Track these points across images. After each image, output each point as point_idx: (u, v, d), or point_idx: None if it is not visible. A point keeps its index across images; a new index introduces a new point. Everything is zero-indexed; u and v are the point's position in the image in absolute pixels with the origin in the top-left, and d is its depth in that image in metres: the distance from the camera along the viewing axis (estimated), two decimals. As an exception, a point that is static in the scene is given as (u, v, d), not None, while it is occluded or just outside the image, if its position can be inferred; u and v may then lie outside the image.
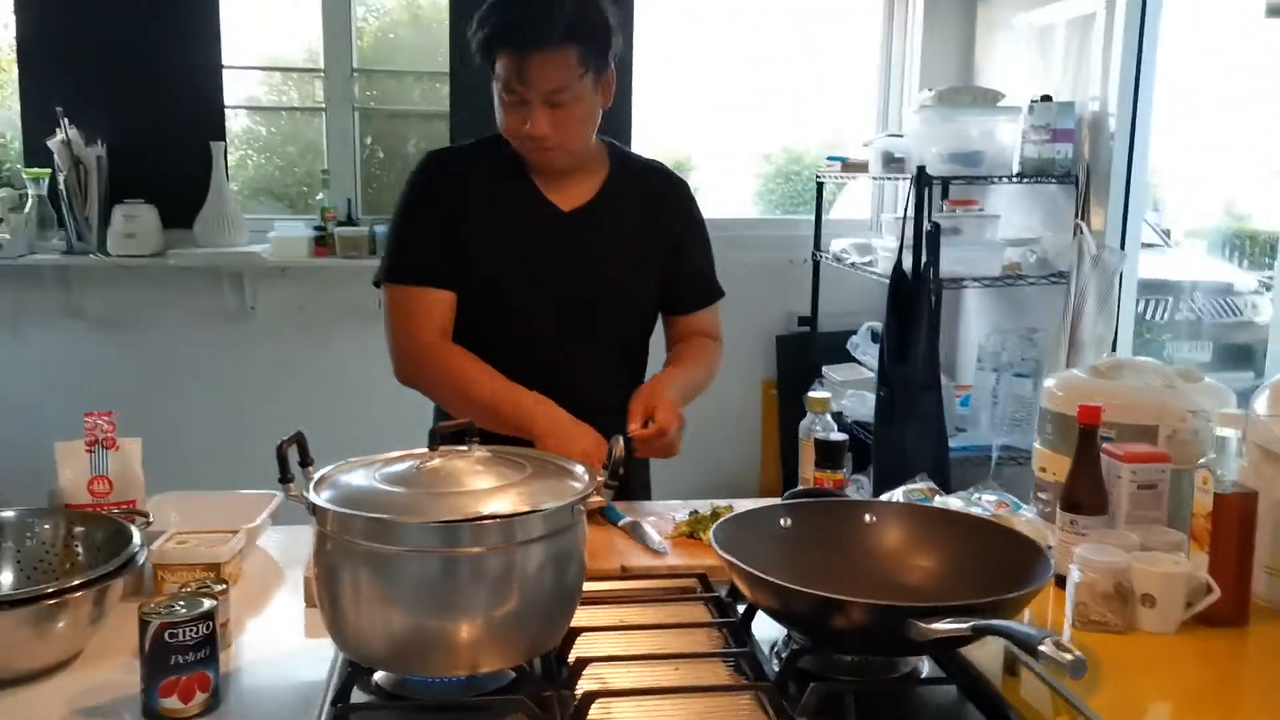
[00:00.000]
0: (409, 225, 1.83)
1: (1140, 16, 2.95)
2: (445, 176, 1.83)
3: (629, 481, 1.29)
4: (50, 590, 1.17)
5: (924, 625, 1.06)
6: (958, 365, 3.97)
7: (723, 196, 4.42)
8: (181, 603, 1.14)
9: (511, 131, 1.73)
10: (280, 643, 1.33)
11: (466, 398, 1.72)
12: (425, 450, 1.21)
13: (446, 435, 1.21)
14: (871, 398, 3.33)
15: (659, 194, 1.92)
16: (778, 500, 1.49)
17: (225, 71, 3.70)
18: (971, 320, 3.92)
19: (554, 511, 1.11)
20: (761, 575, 1.16)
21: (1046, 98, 3.14)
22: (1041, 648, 0.95)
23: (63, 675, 1.21)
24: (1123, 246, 3.08)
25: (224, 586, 1.28)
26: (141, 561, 1.28)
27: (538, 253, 1.81)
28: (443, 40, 3.73)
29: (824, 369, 3.86)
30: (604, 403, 1.77)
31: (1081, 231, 3.07)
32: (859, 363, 3.75)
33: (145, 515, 1.43)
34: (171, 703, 1.11)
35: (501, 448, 1.25)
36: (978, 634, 1.03)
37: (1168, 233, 4.53)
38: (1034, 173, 3.17)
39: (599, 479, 1.19)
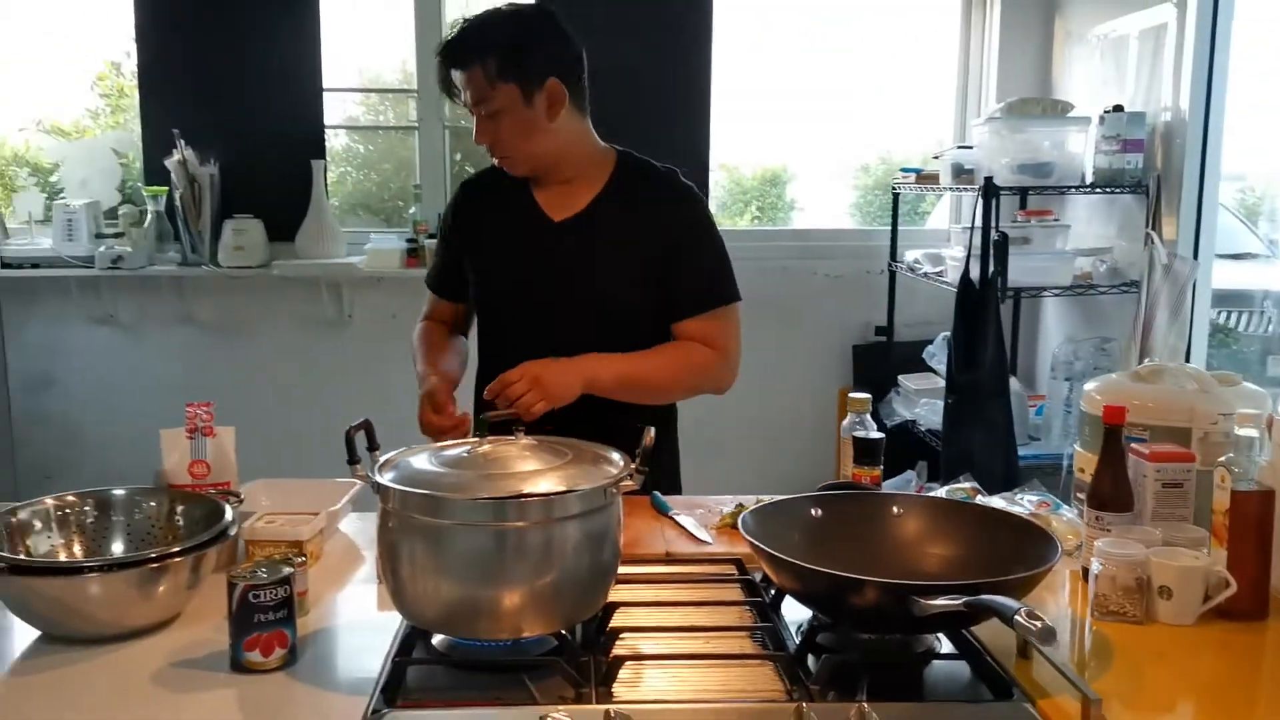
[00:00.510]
0: (438, 246, 2.18)
1: (1211, 26, 2.96)
2: (467, 199, 2.08)
3: (654, 472, 1.38)
4: (154, 555, 1.34)
5: (924, 601, 1.15)
6: (1035, 374, 3.98)
7: (820, 209, 4.49)
8: (264, 569, 1.29)
9: (478, 140, 1.93)
10: (353, 613, 1.48)
11: (413, 352, 2.06)
12: (477, 438, 1.35)
13: (496, 425, 1.35)
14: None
15: (658, 200, 1.96)
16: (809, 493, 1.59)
17: (326, 94, 3.94)
18: (1050, 330, 3.93)
19: (589, 492, 1.24)
20: (780, 556, 1.27)
21: (1118, 108, 3.15)
22: (1016, 617, 1.03)
23: (164, 633, 1.37)
24: (1195, 255, 3.07)
25: (303, 559, 1.43)
26: (233, 534, 1.44)
27: (528, 262, 1.97)
28: (529, 61, 3.90)
29: (899, 378, 3.91)
30: (607, 407, 1.83)
31: (1152, 241, 3.08)
32: (934, 372, 3.79)
33: (238, 495, 1.59)
34: (254, 656, 1.26)
35: (544, 437, 1.37)
36: (969, 608, 1.11)
37: (1274, 243, 4.44)
38: (1105, 183, 3.19)
39: (632, 466, 1.30)
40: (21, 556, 1.38)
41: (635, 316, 1.96)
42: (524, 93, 1.85)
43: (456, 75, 1.86)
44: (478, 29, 1.87)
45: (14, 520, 1.43)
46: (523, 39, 1.86)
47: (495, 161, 1.96)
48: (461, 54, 1.85)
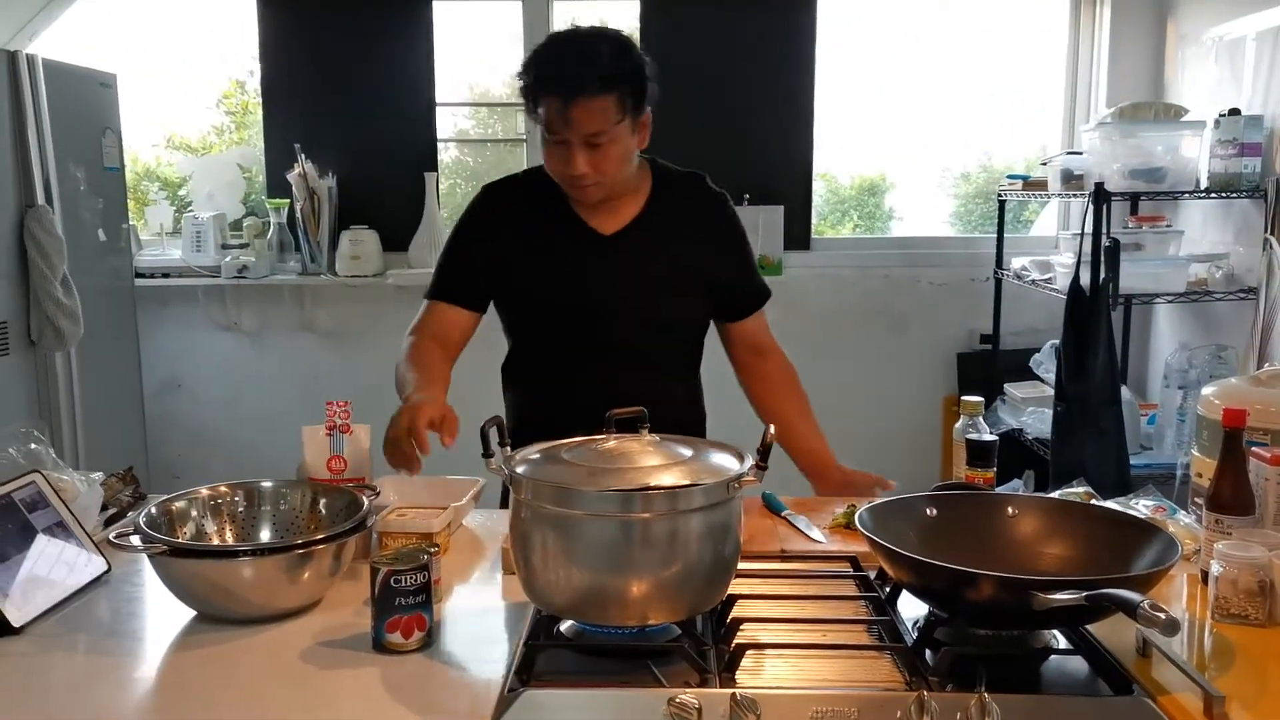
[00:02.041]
0: (449, 252, 2.04)
1: (1334, 26, 2.89)
2: (493, 210, 2.01)
3: None
4: (300, 543, 1.43)
5: (1044, 596, 1.17)
6: (1146, 383, 3.91)
7: (919, 217, 4.50)
8: (403, 556, 1.36)
9: (554, 169, 1.88)
10: (482, 602, 1.55)
11: (402, 373, 1.93)
12: (604, 434, 1.41)
13: (622, 422, 1.41)
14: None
15: (698, 206, 2.02)
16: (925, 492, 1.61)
17: (438, 108, 4.07)
18: (1162, 338, 3.85)
19: (712, 486, 1.28)
20: (898, 550, 1.30)
21: (1234, 111, 3.10)
22: (1140, 609, 1.05)
23: (309, 616, 1.46)
24: (1317, 261, 3.00)
25: (435, 549, 1.51)
26: (371, 523, 1.53)
27: (583, 278, 1.95)
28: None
29: (1005, 386, 3.88)
30: (659, 409, 1.87)
31: (1270, 246, 3.01)
32: (1041, 380, 3.75)
33: (374, 488, 1.68)
34: (395, 638, 1.33)
35: (669, 435, 1.43)
36: (1090, 602, 1.13)
37: None
38: (1220, 188, 3.13)
39: (753, 461, 1.35)
40: (181, 540, 1.48)
41: (683, 325, 2.05)
42: (634, 123, 1.85)
43: (573, 104, 1.77)
44: (612, 58, 1.81)
45: (172, 508, 1.54)
46: (641, 70, 1.84)
47: (571, 184, 1.87)
48: (589, 84, 1.77)
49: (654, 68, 1.87)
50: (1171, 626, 1.04)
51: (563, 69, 1.80)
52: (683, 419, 2.00)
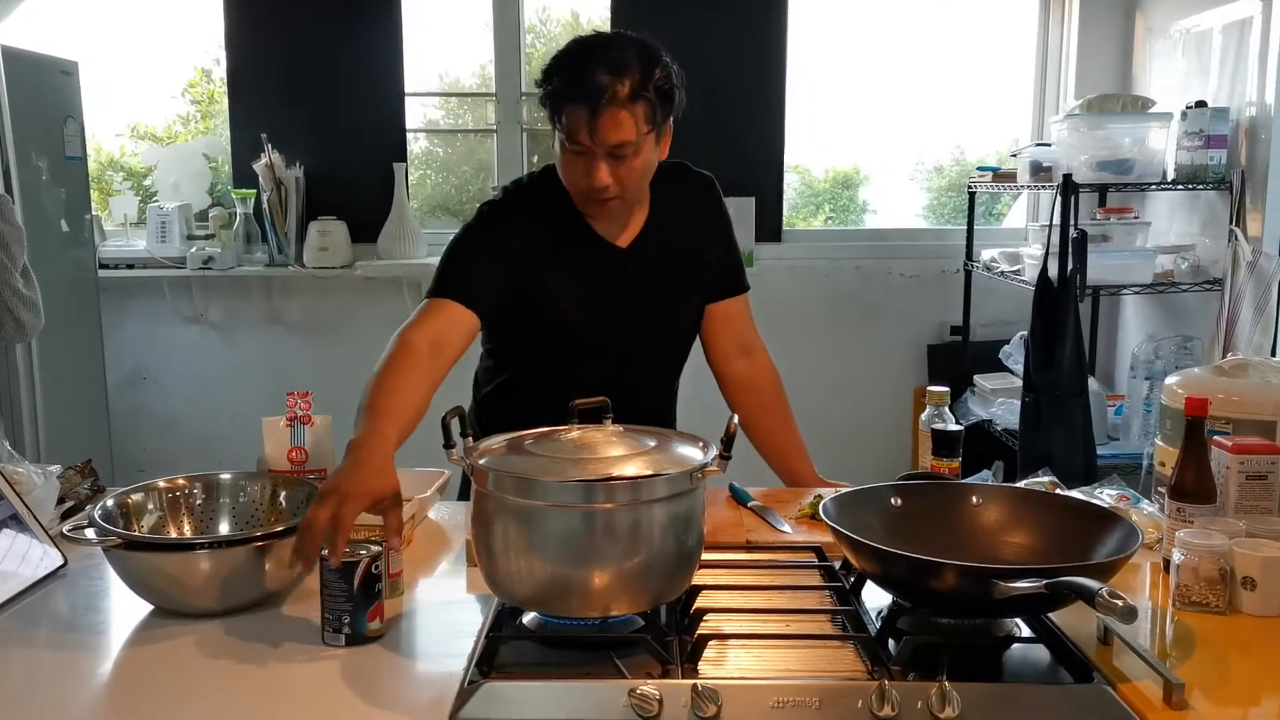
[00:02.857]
0: (460, 252, 1.87)
1: (1297, 19, 2.92)
2: (514, 216, 1.88)
3: None
4: (259, 535, 1.41)
5: (1005, 584, 1.17)
6: (1115, 374, 3.94)
7: (893, 210, 4.51)
8: (362, 548, 1.35)
9: (572, 181, 1.79)
10: (444, 593, 1.54)
11: (378, 382, 1.62)
12: (568, 425, 1.40)
13: (585, 412, 1.39)
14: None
15: (694, 199, 1.99)
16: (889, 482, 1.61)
17: (407, 98, 4.04)
18: (1130, 329, 3.88)
19: (675, 476, 1.28)
20: (861, 540, 1.29)
21: (1201, 104, 3.12)
22: (1098, 596, 1.05)
23: (269, 610, 1.44)
24: (1281, 253, 3.03)
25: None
26: (332, 516, 1.51)
27: (602, 291, 1.89)
28: (605, 63, 3.96)
29: (975, 377, 3.90)
30: (654, 401, 1.94)
31: (1236, 238, 3.04)
32: (1010, 372, 3.77)
33: (335, 481, 1.66)
34: (375, 625, 1.33)
35: (632, 426, 1.42)
36: (1050, 590, 1.13)
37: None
38: (1187, 179, 3.15)
39: (717, 451, 1.34)
40: (137, 533, 1.46)
41: (692, 323, 2.04)
42: (659, 134, 1.77)
43: (601, 115, 1.68)
44: (642, 70, 1.71)
45: (129, 501, 1.51)
46: (670, 80, 1.75)
47: (589, 197, 1.78)
48: (619, 95, 1.68)
49: (681, 76, 1.78)
50: (1129, 613, 1.04)
51: (591, 78, 1.68)
52: (643, 405, 1.96)
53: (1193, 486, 1.52)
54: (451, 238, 1.93)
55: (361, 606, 1.32)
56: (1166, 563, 1.53)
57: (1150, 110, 3.31)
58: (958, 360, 4.01)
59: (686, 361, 2.10)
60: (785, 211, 4.14)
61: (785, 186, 4.15)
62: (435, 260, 4.11)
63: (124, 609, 1.44)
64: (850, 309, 4.13)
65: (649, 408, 1.85)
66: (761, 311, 2.16)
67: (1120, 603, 1.04)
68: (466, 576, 1.59)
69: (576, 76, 1.70)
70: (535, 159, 4.13)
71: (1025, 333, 3.66)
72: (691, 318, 2.04)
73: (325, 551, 1.31)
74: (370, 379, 1.62)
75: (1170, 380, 1.79)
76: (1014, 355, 3.77)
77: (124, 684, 1.27)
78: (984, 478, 3.52)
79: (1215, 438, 1.57)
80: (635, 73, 1.69)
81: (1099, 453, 3.23)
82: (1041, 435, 3.20)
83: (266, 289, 4.08)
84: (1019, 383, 3.58)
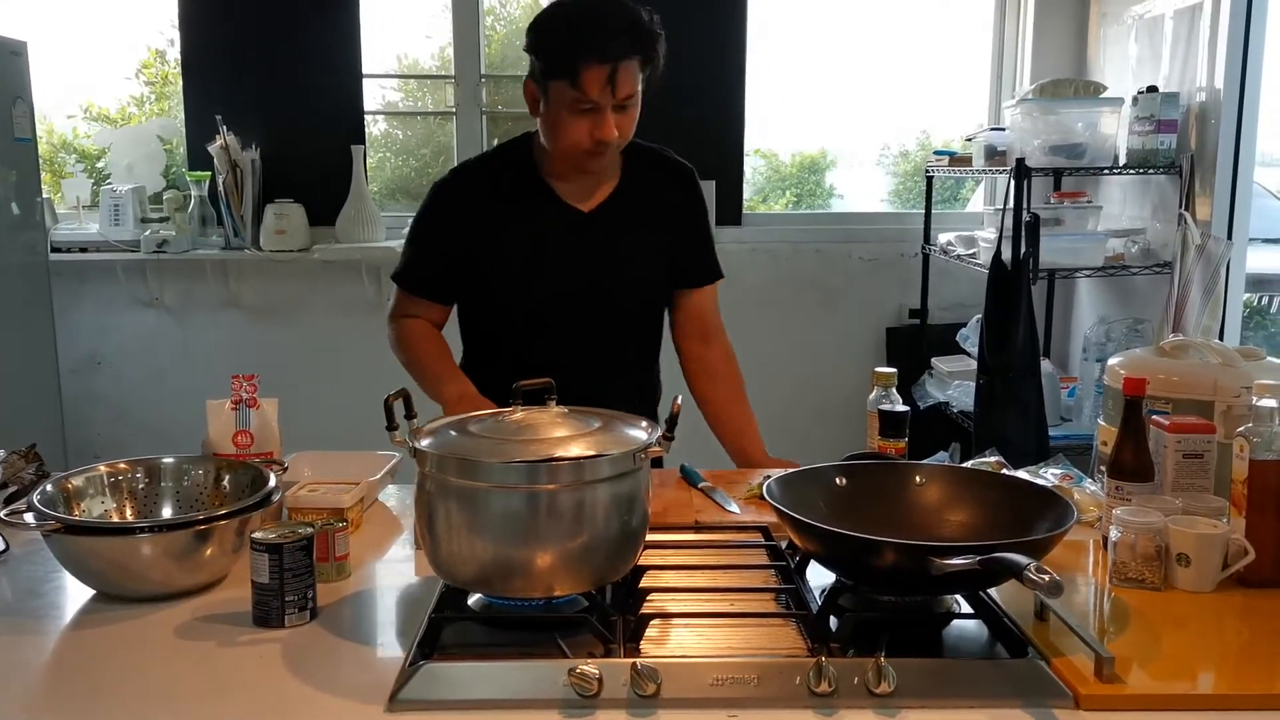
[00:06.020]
0: (418, 240, 2.01)
1: (1246, 6, 2.95)
2: (462, 201, 1.96)
3: None
4: (201, 518, 1.40)
5: (940, 561, 1.18)
6: (1068, 356, 3.98)
7: (859, 194, 4.52)
8: (300, 528, 1.35)
9: (574, 140, 1.81)
10: (392, 577, 1.53)
11: (414, 363, 2.01)
12: (511, 407, 1.40)
13: (528, 393, 1.40)
14: (977, 388, 3.39)
15: (671, 181, 2.04)
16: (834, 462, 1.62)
17: (365, 80, 4.00)
18: (1083, 311, 3.92)
19: (618, 457, 1.28)
20: (803, 519, 1.31)
21: (1151, 89, 3.15)
22: (1025, 572, 1.07)
23: (212, 593, 1.43)
24: (1230, 236, 3.07)
25: (344, 525, 1.49)
26: (277, 500, 1.51)
27: (565, 256, 1.94)
28: (564, 46, 3.95)
29: (933, 360, 3.93)
30: (624, 373, 1.98)
31: (1185, 222, 3.08)
32: (967, 354, 3.80)
33: (281, 464, 1.65)
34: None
35: (576, 407, 1.42)
36: (983, 566, 1.15)
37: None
38: (1138, 164, 3.19)
39: (659, 433, 1.35)
40: (77, 517, 1.44)
41: (659, 298, 2.07)
42: (648, 82, 1.83)
43: (619, 68, 1.74)
44: (638, 18, 1.78)
45: (69, 486, 1.50)
46: (658, 26, 1.81)
47: (590, 154, 1.83)
48: (633, 45, 1.75)
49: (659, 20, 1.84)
50: (1055, 588, 1.06)
51: (604, 31, 1.74)
52: (629, 389, 2.01)
53: (1131, 465, 1.55)
54: (417, 212, 2.04)
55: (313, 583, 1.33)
56: (1107, 540, 1.55)
57: (1102, 95, 3.34)
58: (916, 343, 4.04)
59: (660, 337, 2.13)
60: (749, 195, 4.15)
61: (748, 170, 4.15)
62: (394, 244, 4.11)
63: (66, 593, 1.43)
64: (810, 292, 4.15)
65: (628, 389, 1.91)
66: (722, 295, 2.17)
67: (1047, 578, 1.05)
68: (415, 560, 1.58)
69: (589, 32, 1.75)
70: (495, 141, 4.11)
71: (981, 315, 3.69)
72: (655, 293, 2.06)
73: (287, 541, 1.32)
74: (408, 358, 2.01)
75: (1113, 361, 1.82)
76: (970, 338, 3.80)
77: (65, 668, 1.26)
78: (940, 459, 3.58)
79: (1154, 417, 1.60)
80: (641, 25, 1.77)
81: (1052, 434, 3.27)
82: (995, 416, 3.23)
83: (222, 272, 4.03)
84: (975, 365, 3.62)
